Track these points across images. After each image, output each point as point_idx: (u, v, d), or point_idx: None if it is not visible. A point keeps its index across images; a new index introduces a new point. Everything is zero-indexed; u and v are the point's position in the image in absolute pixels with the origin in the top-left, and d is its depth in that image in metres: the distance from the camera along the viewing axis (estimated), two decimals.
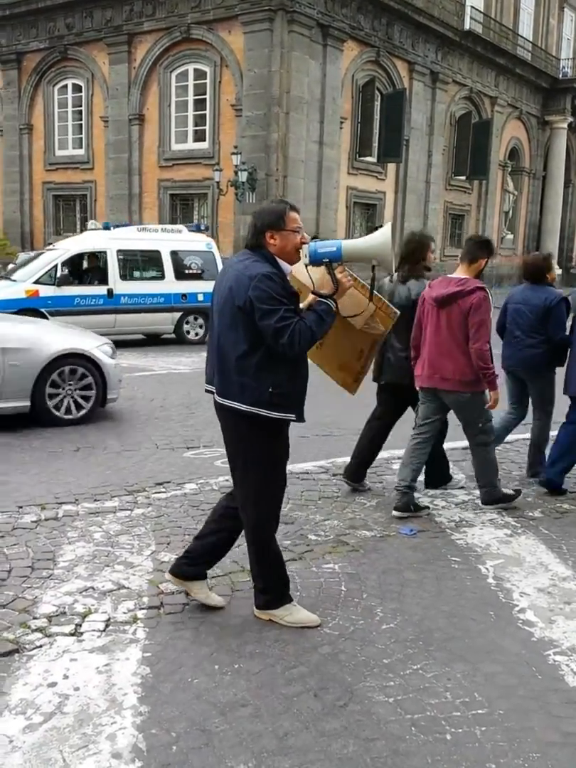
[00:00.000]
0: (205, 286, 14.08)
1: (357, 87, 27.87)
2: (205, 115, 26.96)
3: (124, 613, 3.59)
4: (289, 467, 5.91)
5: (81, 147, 30.31)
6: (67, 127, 30.59)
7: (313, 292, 3.34)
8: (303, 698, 2.97)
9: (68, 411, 7.57)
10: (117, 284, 13.80)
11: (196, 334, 14.89)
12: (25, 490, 5.39)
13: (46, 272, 13.27)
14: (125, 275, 14.06)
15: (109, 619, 3.53)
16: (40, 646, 3.27)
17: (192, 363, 12.23)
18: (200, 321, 14.86)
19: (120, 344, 14.37)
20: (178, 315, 14.58)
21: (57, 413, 7.49)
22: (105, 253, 13.87)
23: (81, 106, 29.91)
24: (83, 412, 7.65)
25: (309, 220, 26.54)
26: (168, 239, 14.67)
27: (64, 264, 13.43)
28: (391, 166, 29.76)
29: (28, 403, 7.30)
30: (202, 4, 25.56)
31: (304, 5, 24.61)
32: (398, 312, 3.86)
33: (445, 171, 33.13)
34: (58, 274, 13.26)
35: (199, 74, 26.78)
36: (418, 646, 3.37)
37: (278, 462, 3.50)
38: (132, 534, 4.60)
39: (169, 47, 26.90)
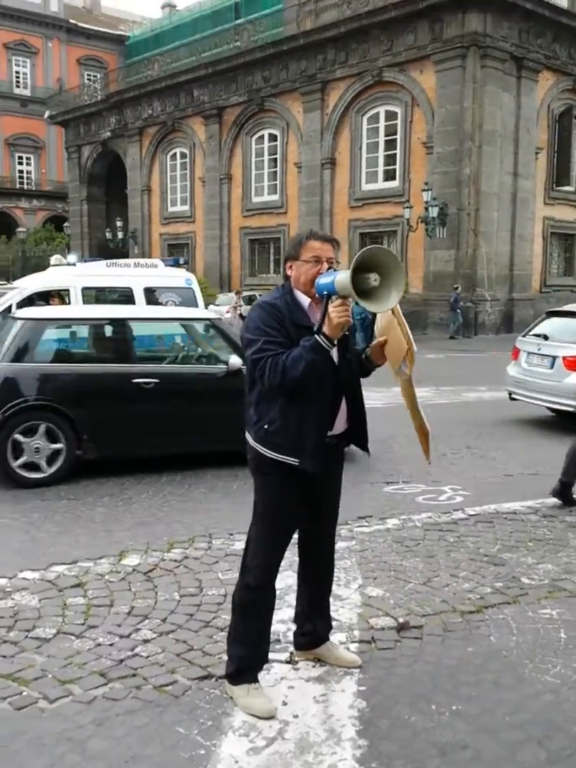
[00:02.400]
0: None
1: (553, 116, 27.13)
2: (395, 154, 27.30)
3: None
4: (494, 506, 5.83)
5: (275, 192, 31.66)
6: (263, 174, 32.11)
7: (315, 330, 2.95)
8: (526, 746, 2.84)
9: None
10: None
11: None
12: (233, 518, 5.60)
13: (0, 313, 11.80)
14: None
15: None
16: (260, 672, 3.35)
17: (384, 397, 12.18)
18: None
19: None
20: None
21: None
22: (68, 291, 11.90)
23: (276, 154, 31.31)
24: None
25: (503, 254, 25.98)
26: (141, 275, 12.69)
27: (19, 305, 11.42)
28: None
29: None
30: (393, 47, 26.04)
31: (497, 39, 24.40)
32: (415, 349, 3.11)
33: None
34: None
35: (390, 115, 27.19)
36: None
37: (276, 515, 3.10)
38: (338, 566, 4.58)
39: (360, 91, 27.59)
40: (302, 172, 29.85)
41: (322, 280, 2.90)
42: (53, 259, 14.43)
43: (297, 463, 2.99)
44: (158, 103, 35.63)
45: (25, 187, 53.05)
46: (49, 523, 5.46)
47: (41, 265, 31.84)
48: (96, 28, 54.27)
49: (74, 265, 12.98)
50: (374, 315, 3.19)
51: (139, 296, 12.22)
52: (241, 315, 23.49)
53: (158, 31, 42.03)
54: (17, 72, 51.96)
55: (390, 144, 27.45)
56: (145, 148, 36.90)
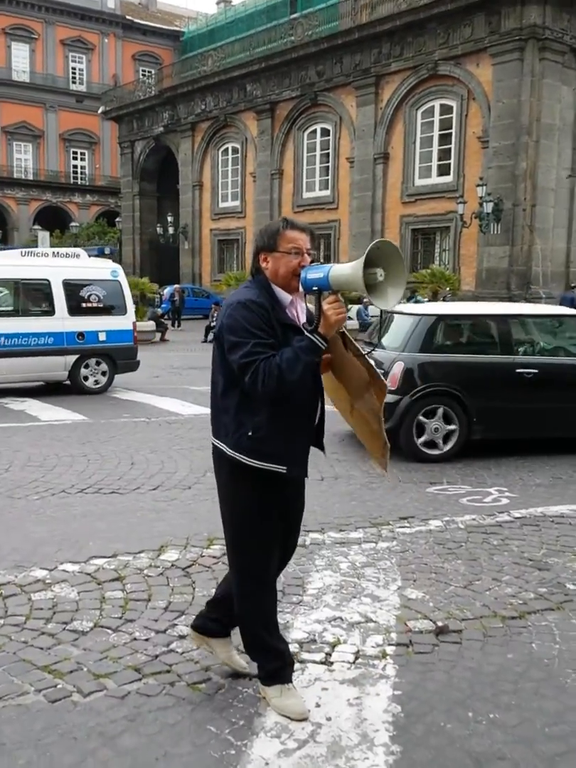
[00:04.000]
0: (110, 323, 11.71)
1: None
2: (449, 149, 26.96)
3: (373, 647, 3.56)
4: (541, 510, 5.69)
5: (327, 188, 31.56)
6: (315, 170, 32.04)
7: (302, 326, 2.84)
8: (566, 759, 2.75)
9: None
10: None
11: (97, 382, 11.71)
12: None
13: None
14: (2, 310, 11.23)
15: (358, 652, 3.51)
16: (293, 672, 3.31)
17: None
18: (103, 366, 11.71)
19: None
20: (72, 358, 11.43)
21: None
22: None
23: (328, 149, 31.20)
24: None
25: (559, 251, 25.47)
26: (60, 266, 11.55)
27: None
28: None
29: None
30: (449, 40, 25.71)
31: (556, 32, 23.90)
32: (387, 385, 3.00)
33: None
34: None
35: (445, 109, 26.87)
36: None
37: (263, 522, 2.95)
38: (377, 567, 4.57)
39: (415, 85, 27.31)
40: (354, 167, 29.67)
41: (311, 275, 2.72)
42: None
43: (284, 471, 2.86)
44: (211, 98, 35.80)
45: (79, 182, 53.90)
46: (90, 516, 5.51)
47: None
48: (151, 24, 54.78)
49: None
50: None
51: (58, 290, 11.30)
52: None
53: (213, 26, 42.15)
54: (74, 68, 52.79)
55: (444, 138, 27.11)
56: (197, 143, 37.12)
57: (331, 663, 3.41)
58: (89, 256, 12.45)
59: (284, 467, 2.85)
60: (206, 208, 37.38)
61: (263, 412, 2.81)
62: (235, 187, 35.88)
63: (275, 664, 3.07)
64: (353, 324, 23.91)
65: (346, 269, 2.63)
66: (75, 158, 53.84)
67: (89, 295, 11.62)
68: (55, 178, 52.40)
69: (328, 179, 31.49)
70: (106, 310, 11.78)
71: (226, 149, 36.27)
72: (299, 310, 2.93)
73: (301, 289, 2.81)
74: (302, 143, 32.21)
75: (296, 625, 3.78)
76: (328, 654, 3.49)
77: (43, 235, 22.69)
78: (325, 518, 5.50)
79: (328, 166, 31.45)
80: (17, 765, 2.67)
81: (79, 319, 11.44)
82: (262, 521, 2.95)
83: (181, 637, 3.63)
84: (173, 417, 9.64)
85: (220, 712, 3.01)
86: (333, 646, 3.57)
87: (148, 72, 51.81)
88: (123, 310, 11.96)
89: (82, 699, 3.09)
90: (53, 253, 12.12)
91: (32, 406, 10.39)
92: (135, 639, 3.61)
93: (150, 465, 7.02)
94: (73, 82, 52.70)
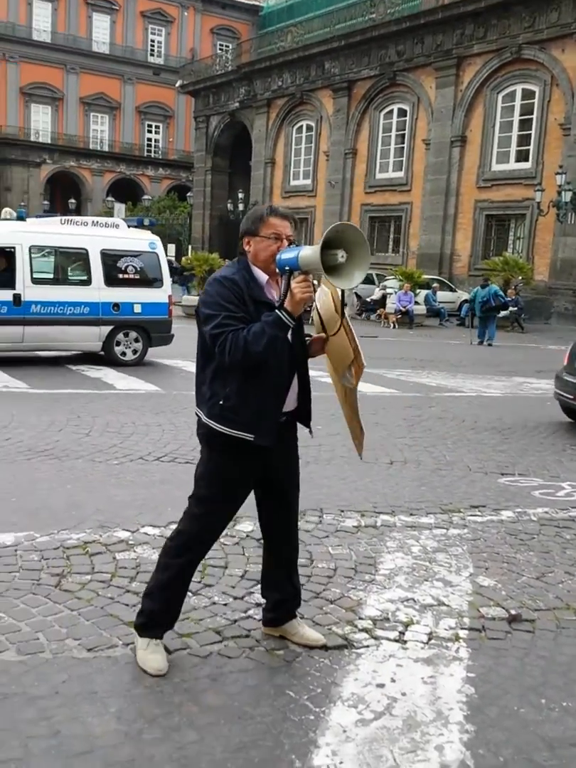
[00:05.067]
0: (146, 295, 11.72)
1: None
2: (529, 135, 26.41)
3: (446, 630, 3.62)
4: None
5: (401, 170, 31.22)
6: (389, 150, 31.71)
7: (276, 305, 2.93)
8: None
9: None
10: (27, 289, 10.83)
11: (135, 352, 11.82)
12: (344, 495, 5.66)
13: None
14: (39, 278, 11.15)
15: (431, 633, 3.58)
16: (367, 647, 3.41)
17: (503, 387, 11.95)
18: (136, 337, 11.79)
19: (429, 364, 14.36)
20: (107, 329, 11.43)
21: None
22: (14, 249, 10.82)
23: (404, 130, 30.84)
24: None
25: None
26: (99, 235, 11.46)
27: None
28: None
29: None
30: (535, 23, 25.11)
31: None
32: (365, 365, 3.12)
33: None
34: None
35: (527, 94, 26.29)
36: None
37: (225, 486, 3.13)
38: (449, 553, 4.62)
39: (497, 68, 26.78)
40: (430, 150, 29.30)
41: (285, 256, 2.86)
42: (3, 213, 13.02)
43: (252, 439, 3.00)
44: (288, 75, 35.68)
45: (153, 155, 54.42)
46: (168, 483, 5.69)
47: (165, 233, 32.60)
48: None
49: (23, 219, 11.90)
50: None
51: (95, 259, 11.29)
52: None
53: (293, 1, 41.88)
54: (152, 40, 53.17)
55: (524, 124, 26.57)
56: (271, 119, 37.10)
57: (405, 641, 3.49)
58: (128, 226, 12.46)
59: (251, 435, 3.00)
60: (277, 185, 37.41)
61: (235, 383, 2.99)
62: (308, 165, 35.79)
63: (159, 619, 3.19)
64: (421, 309, 23.81)
65: (310, 250, 2.77)
66: (149, 131, 54.36)
67: (126, 266, 11.61)
68: (129, 151, 53.04)
69: (402, 160, 31.17)
70: (143, 282, 11.78)
71: (301, 127, 36.17)
72: (277, 290, 3.06)
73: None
74: (378, 123, 31.90)
75: (369, 603, 3.86)
76: (402, 633, 3.57)
77: (119, 207, 23.03)
78: (396, 501, 5.56)
79: (403, 147, 31.11)
80: (109, 712, 2.83)
81: (114, 290, 11.44)
82: (224, 491, 3.13)
83: (258, 604, 3.74)
84: None
85: (298, 679, 3.12)
86: (406, 625, 3.64)
87: (226, 46, 51.85)
88: (160, 283, 11.96)
89: (167, 656, 3.23)
90: (92, 222, 12.02)
91: (108, 374, 10.67)
92: (214, 603, 3.75)
93: None
94: (151, 55, 53.09)
